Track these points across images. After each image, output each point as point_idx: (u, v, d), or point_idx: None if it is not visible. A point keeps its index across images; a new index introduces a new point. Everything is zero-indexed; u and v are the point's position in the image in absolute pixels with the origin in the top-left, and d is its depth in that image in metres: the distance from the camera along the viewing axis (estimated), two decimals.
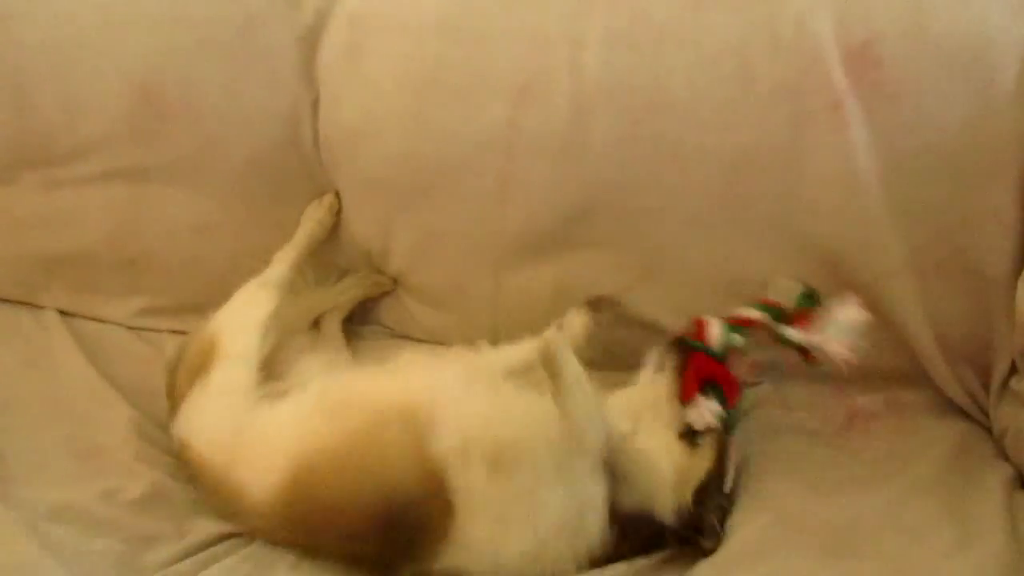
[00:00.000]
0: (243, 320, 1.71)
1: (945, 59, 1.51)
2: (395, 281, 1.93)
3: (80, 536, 1.49)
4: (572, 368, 1.36)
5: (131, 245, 1.98)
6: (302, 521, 1.42)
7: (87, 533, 1.50)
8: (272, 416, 1.55)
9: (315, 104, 1.84)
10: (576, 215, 1.74)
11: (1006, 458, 1.56)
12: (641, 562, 1.40)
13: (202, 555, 1.48)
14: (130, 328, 2.01)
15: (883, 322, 1.64)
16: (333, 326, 1.89)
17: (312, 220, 1.87)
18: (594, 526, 1.35)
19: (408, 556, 1.33)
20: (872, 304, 1.62)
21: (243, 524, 1.51)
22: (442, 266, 1.86)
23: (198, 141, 1.87)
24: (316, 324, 1.93)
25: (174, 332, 1.97)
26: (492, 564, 1.31)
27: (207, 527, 1.52)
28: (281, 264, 1.82)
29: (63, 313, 2.03)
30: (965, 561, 1.34)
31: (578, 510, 1.33)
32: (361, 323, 1.99)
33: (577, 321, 1.67)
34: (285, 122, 1.85)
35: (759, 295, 1.57)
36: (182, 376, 1.68)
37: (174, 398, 1.67)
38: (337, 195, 1.88)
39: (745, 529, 1.43)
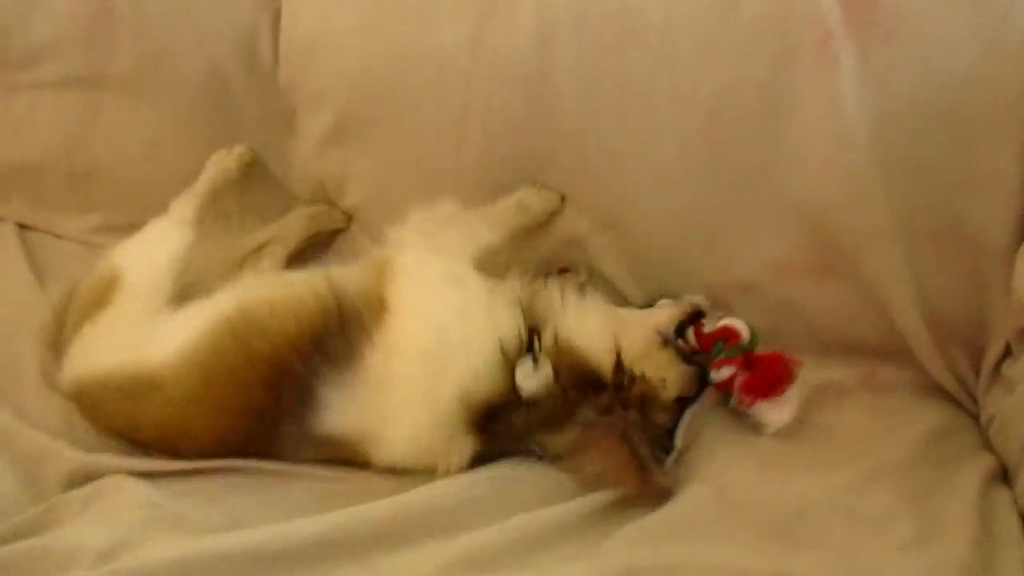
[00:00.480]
0: (150, 255, 1.60)
1: None
2: (349, 218, 1.81)
3: None
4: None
5: (84, 158, 1.91)
6: (212, 381, 1.36)
7: None
8: (181, 313, 1.47)
9: (276, 16, 1.74)
10: (539, 152, 1.60)
11: (991, 449, 1.40)
12: (573, 515, 1.27)
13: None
14: (86, 244, 1.94)
15: (865, 292, 1.48)
16: (274, 261, 1.76)
17: (217, 168, 1.77)
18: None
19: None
20: (855, 271, 1.48)
21: (149, 434, 1.42)
22: (399, 200, 1.72)
23: (152, 51, 1.80)
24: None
25: None
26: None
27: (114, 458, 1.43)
28: (183, 207, 1.71)
29: (23, 227, 1.98)
30: (920, 558, 1.19)
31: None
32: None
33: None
34: (243, 35, 1.77)
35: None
36: (73, 316, 1.58)
37: (61, 344, 1.57)
38: (250, 149, 1.79)
39: (681, 502, 1.29)
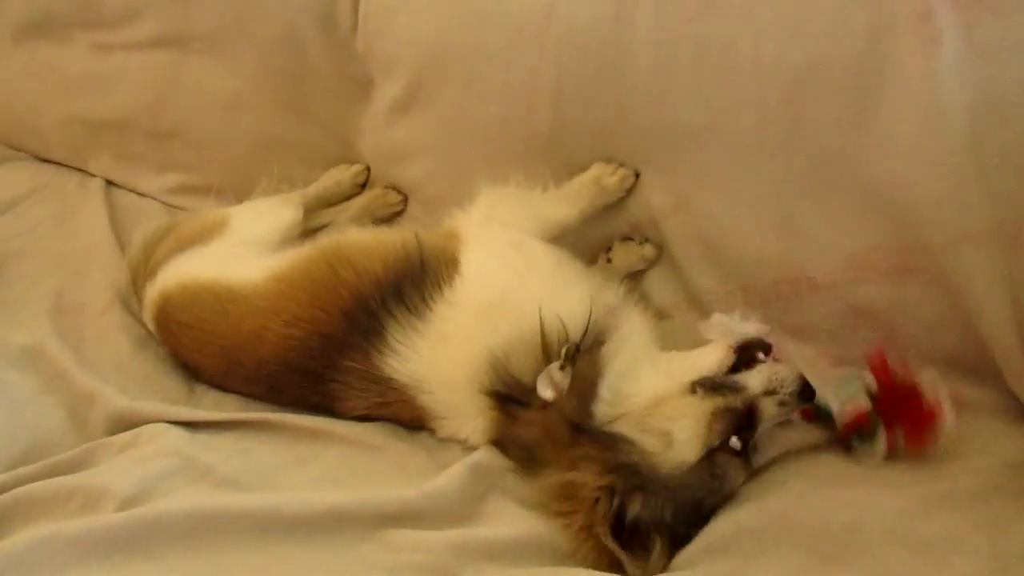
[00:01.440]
0: (261, 215, 1.69)
1: None
2: (406, 200, 1.80)
3: (36, 386, 1.48)
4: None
5: (166, 117, 1.96)
6: (295, 295, 1.40)
7: (43, 384, 1.48)
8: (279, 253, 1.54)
9: None
10: (610, 124, 1.52)
11: None
12: None
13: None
14: (165, 204, 2.01)
15: (952, 298, 1.34)
16: None
17: (332, 179, 1.84)
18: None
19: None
20: (942, 274, 1.34)
21: (218, 347, 1.46)
22: (464, 170, 1.68)
23: (233, 11, 1.81)
24: None
25: None
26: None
27: (157, 406, 1.44)
28: (294, 196, 1.78)
29: (112, 185, 2.05)
30: None
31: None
32: None
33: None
34: (323, 0, 1.73)
35: None
36: (165, 248, 1.63)
37: (147, 269, 1.62)
38: (368, 168, 1.83)
39: (726, 516, 1.21)
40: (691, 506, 1.19)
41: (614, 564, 1.15)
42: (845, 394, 1.31)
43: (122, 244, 1.83)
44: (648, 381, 1.29)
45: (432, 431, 1.37)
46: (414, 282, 1.36)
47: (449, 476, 1.24)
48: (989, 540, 1.13)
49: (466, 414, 1.31)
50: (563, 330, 1.27)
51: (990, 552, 1.11)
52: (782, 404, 1.25)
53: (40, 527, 1.15)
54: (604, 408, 1.24)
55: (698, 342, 1.42)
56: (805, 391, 1.26)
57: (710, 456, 1.21)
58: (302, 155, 1.88)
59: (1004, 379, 1.34)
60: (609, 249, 1.58)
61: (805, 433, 1.33)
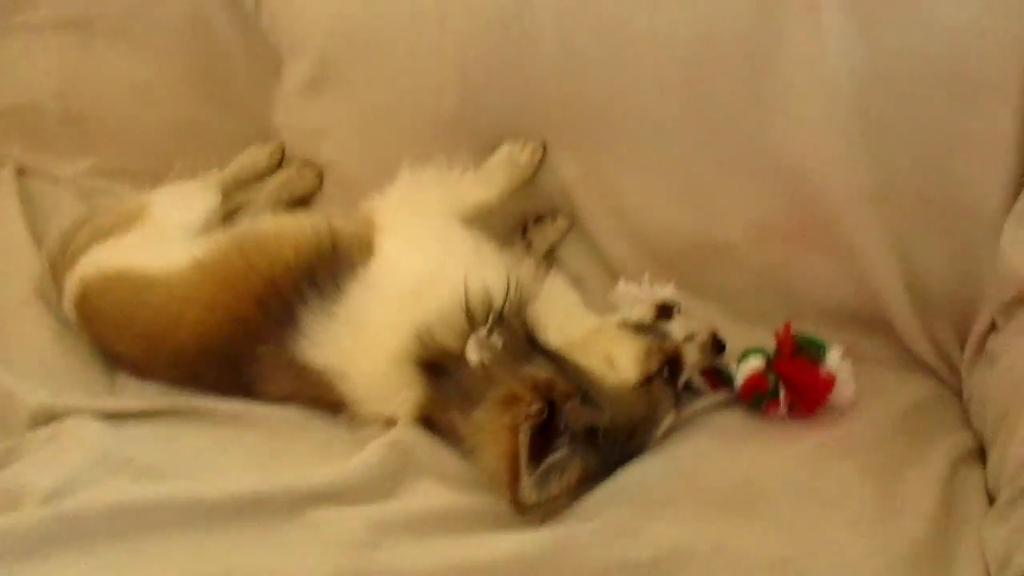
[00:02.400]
0: (182, 201, 1.68)
1: None
2: (320, 177, 1.81)
3: None
4: None
5: (76, 100, 1.93)
6: (210, 283, 1.42)
7: None
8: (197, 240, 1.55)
9: None
10: (517, 102, 1.55)
11: (970, 427, 1.33)
12: None
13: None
14: (81, 191, 1.96)
15: (847, 258, 1.41)
16: None
17: (248, 158, 1.84)
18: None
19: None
20: (836, 236, 1.41)
21: (140, 330, 1.47)
22: (377, 150, 1.70)
23: None
24: None
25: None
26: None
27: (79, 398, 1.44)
28: (210, 179, 1.78)
29: (23, 173, 2.00)
30: (871, 536, 1.14)
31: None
32: None
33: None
34: None
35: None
36: (84, 236, 1.62)
37: (65, 258, 1.61)
38: (282, 146, 1.83)
39: (630, 472, 1.25)
40: (624, 429, 1.23)
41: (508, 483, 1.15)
42: (743, 357, 1.37)
43: (36, 235, 1.80)
44: (585, 320, 1.38)
45: (352, 414, 1.39)
46: (327, 268, 1.37)
47: (368, 454, 1.27)
48: (878, 487, 1.20)
49: (388, 394, 1.33)
50: (486, 298, 1.30)
51: (879, 498, 1.18)
52: (701, 349, 1.33)
53: None
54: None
55: (609, 309, 1.49)
56: (718, 340, 1.34)
57: (648, 383, 1.27)
58: (217, 136, 1.87)
59: (896, 331, 1.41)
60: (525, 232, 1.62)
61: (710, 398, 1.39)
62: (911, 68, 1.29)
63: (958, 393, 1.39)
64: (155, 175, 1.84)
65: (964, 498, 1.20)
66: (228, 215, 1.79)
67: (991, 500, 1.18)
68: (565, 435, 1.15)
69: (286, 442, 1.35)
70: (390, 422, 1.35)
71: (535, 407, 1.14)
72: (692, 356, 1.33)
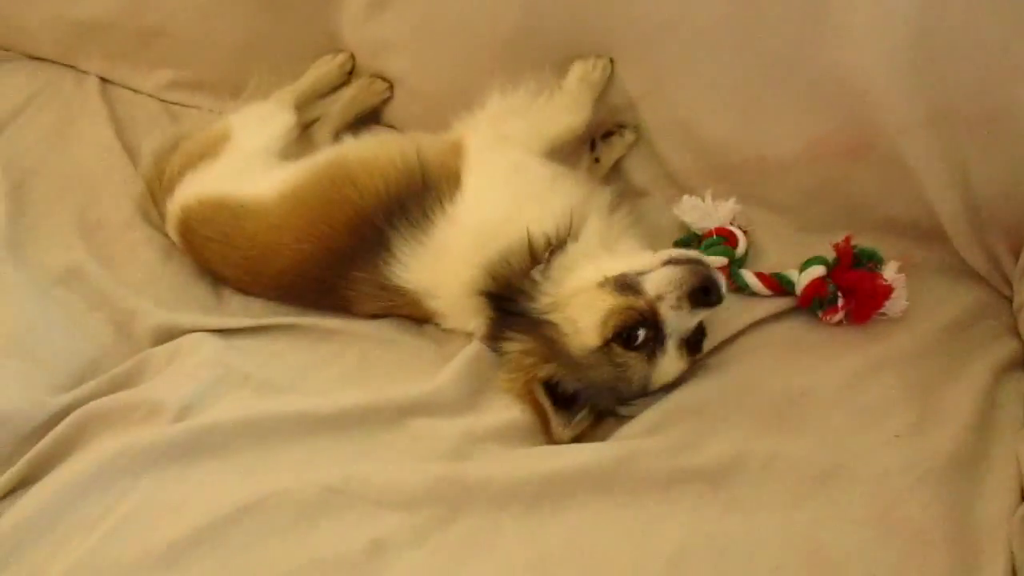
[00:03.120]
0: (261, 124, 1.76)
1: None
2: (391, 87, 1.85)
3: (82, 303, 1.63)
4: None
5: (147, 17, 1.97)
6: (304, 212, 1.52)
7: (88, 302, 1.63)
8: (287, 165, 1.66)
9: None
10: (582, 19, 1.58)
11: (1018, 335, 1.42)
12: None
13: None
14: (161, 101, 2.06)
15: (903, 174, 1.46)
16: (322, 138, 1.85)
17: (320, 70, 1.87)
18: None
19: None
20: (893, 153, 1.45)
21: (240, 254, 1.59)
22: (442, 64, 1.75)
23: None
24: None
25: (198, 109, 2.01)
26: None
27: (193, 315, 1.60)
28: (285, 96, 1.82)
29: (105, 82, 2.09)
30: (911, 447, 1.27)
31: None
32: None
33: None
34: None
35: None
36: (177, 163, 1.72)
37: (163, 184, 1.73)
38: (352, 57, 1.86)
39: (692, 388, 1.38)
40: (602, 386, 1.35)
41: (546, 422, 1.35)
42: (805, 265, 1.46)
43: (128, 149, 1.90)
44: (579, 273, 1.39)
45: (438, 325, 1.53)
46: (416, 198, 1.47)
47: (452, 370, 1.42)
48: (919, 401, 1.31)
49: (466, 314, 1.46)
50: (550, 238, 1.40)
51: (919, 412, 1.30)
52: (673, 308, 1.29)
53: (113, 439, 1.34)
54: (544, 298, 1.39)
55: (674, 218, 1.59)
56: (696, 295, 1.28)
57: (608, 346, 1.33)
58: (288, 50, 1.91)
59: (950, 242, 1.48)
60: (593, 147, 1.67)
61: (770, 305, 1.49)
62: None
63: (1008, 300, 1.46)
64: (233, 87, 1.92)
65: (1002, 408, 1.31)
66: (305, 127, 1.88)
67: None
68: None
69: (381, 356, 1.51)
70: (470, 336, 1.49)
71: (535, 372, 1.33)
72: (666, 314, 1.30)
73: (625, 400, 1.37)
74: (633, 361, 1.32)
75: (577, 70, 1.60)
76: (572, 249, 1.41)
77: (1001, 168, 1.40)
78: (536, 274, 1.38)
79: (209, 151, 1.70)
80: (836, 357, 1.40)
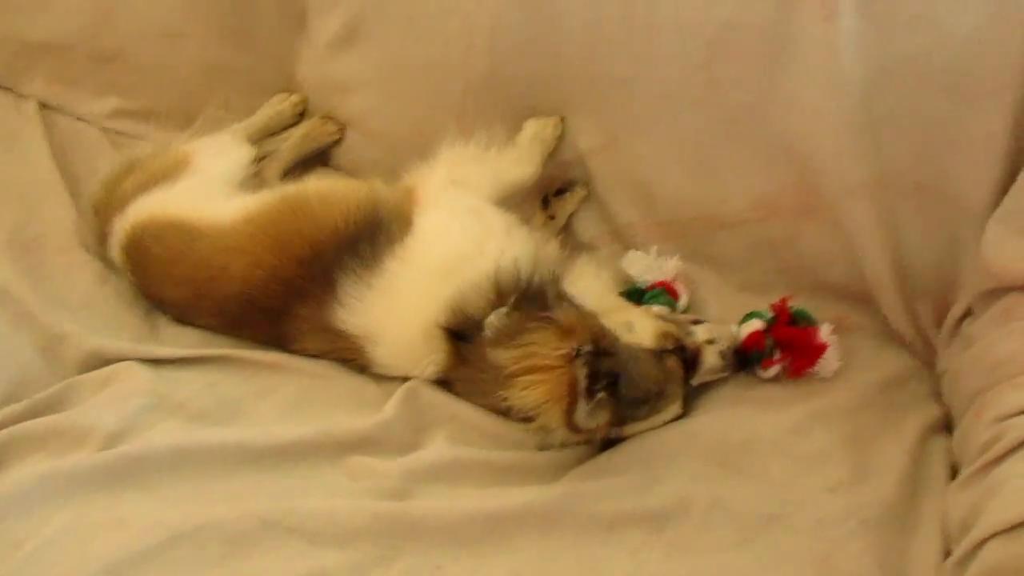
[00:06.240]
0: (223, 152, 1.75)
1: None
2: (343, 129, 1.87)
3: (5, 324, 1.55)
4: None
5: (106, 40, 1.95)
6: (259, 239, 1.50)
7: (16, 322, 1.55)
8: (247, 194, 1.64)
9: None
10: (544, 74, 1.63)
11: (941, 400, 1.47)
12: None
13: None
14: (103, 129, 2.01)
15: (843, 237, 1.52)
16: (270, 175, 1.85)
17: (273, 109, 1.89)
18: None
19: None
20: (835, 216, 1.52)
21: (186, 276, 1.56)
22: (404, 107, 1.77)
23: None
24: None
25: (141, 140, 1.96)
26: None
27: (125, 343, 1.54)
28: (238, 132, 1.83)
29: (44, 107, 2.04)
30: (847, 499, 1.29)
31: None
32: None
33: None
34: None
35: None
36: (132, 183, 1.69)
37: (112, 203, 1.68)
38: (305, 97, 1.88)
39: (644, 436, 1.40)
40: (639, 382, 1.35)
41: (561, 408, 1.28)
42: (744, 319, 1.51)
43: (66, 174, 1.86)
44: (613, 298, 1.50)
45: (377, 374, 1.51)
46: (369, 238, 1.47)
47: (395, 405, 1.40)
48: (853, 453, 1.35)
49: (414, 358, 1.45)
50: (516, 275, 1.40)
51: (854, 464, 1.33)
52: (721, 355, 1.44)
53: (38, 464, 1.28)
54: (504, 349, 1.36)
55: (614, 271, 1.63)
56: (740, 354, 1.45)
57: (661, 355, 1.39)
58: (244, 84, 1.92)
59: (880, 308, 1.54)
60: (546, 205, 1.71)
61: None
62: (916, 69, 1.38)
63: (931, 367, 1.52)
64: (183, 118, 1.91)
65: (930, 465, 1.35)
66: (256, 162, 1.86)
67: (953, 469, 1.33)
68: (602, 378, 1.29)
69: (321, 391, 1.48)
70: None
71: (587, 345, 1.27)
72: (711, 359, 1.43)
73: (640, 414, 1.37)
74: (677, 379, 1.38)
75: (530, 127, 1.65)
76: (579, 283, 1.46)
77: (930, 238, 1.48)
78: (496, 317, 1.37)
79: (168, 174, 1.68)
80: (774, 410, 1.43)
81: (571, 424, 1.28)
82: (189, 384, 1.47)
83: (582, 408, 1.27)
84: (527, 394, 1.27)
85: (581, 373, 1.26)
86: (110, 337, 1.54)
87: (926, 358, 1.53)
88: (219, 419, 1.41)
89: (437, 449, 1.37)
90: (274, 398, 1.47)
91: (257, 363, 1.52)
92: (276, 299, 1.49)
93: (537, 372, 1.27)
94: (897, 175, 1.45)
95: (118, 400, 1.39)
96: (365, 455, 1.35)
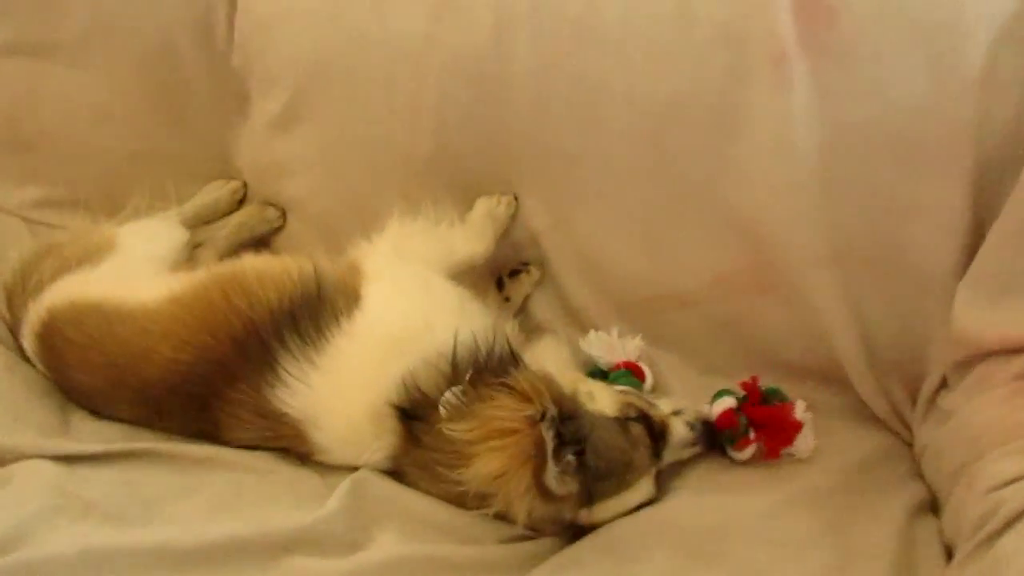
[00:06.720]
0: (152, 235, 1.66)
1: (909, 25, 1.31)
2: (284, 216, 1.80)
3: None
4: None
5: (29, 125, 1.86)
6: (186, 319, 1.39)
7: None
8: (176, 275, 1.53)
9: None
10: (492, 150, 1.58)
11: (922, 479, 1.40)
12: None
13: None
14: (25, 220, 1.89)
15: (804, 314, 1.47)
16: (206, 263, 1.72)
17: (210, 196, 1.82)
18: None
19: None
20: (794, 292, 1.47)
21: (105, 360, 1.42)
22: (348, 188, 1.70)
23: (103, 20, 1.75)
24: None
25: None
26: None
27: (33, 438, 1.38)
28: (172, 216, 1.75)
29: None
30: None
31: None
32: None
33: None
34: (199, 12, 1.72)
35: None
36: (50, 266, 1.56)
37: (27, 288, 1.55)
38: (245, 184, 1.82)
39: (609, 526, 1.29)
40: (605, 450, 1.25)
41: (541, 490, 1.19)
42: (715, 397, 1.43)
43: None
44: (572, 372, 1.41)
45: (320, 462, 1.38)
46: (310, 313, 1.36)
47: (337, 501, 1.26)
48: (837, 537, 1.25)
49: (361, 443, 1.33)
50: (473, 350, 1.31)
51: (840, 550, 1.23)
52: (689, 426, 1.35)
53: None
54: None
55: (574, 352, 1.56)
56: (712, 433, 1.37)
57: (626, 422, 1.30)
58: (177, 170, 1.83)
59: (850, 386, 1.48)
60: (501, 286, 1.64)
61: None
62: (868, 140, 1.37)
63: (908, 445, 1.46)
64: (109, 207, 1.80)
65: (921, 549, 1.26)
66: (189, 252, 1.76)
67: (947, 550, 1.24)
68: (569, 443, 1.20)
69: (255, 486, 1.34)
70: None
71: (552, 407, 1.18)
72: (679, 430, 1.35)
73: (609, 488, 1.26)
74: (644, 449, 1.29)
75: (482, 205, 1.59)
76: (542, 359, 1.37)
77: (893, 311, 1.44)
78: (452, 395, 1.27)
79: (90, 257, 1.57)
80: (749, 495, 1.34)
81: (541, 489, 1.17)
82: (102, 482, 1.31)
83: (552, 470, 1.16)
84: (488, 462, 1.16)
85: (548, 435, 1.16)
86: (15, 432, 1.38)
87: (902, 436, 1.47)
88: (136, 520, 1.25)
89: (386, 547, 1.23)
90: (201, 496, 1.31)
91: (182, 457, 1.38)
92: (205, 384, 1.37)
93: (499, 437, 1.16)
94: (854, 247, 1.42)
95: (16, 502, 1.23)
96: (303, 556, 1.20)
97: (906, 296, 1.42)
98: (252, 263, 1.49)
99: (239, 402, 1.36)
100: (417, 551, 1.22)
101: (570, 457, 1.20)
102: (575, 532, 1.29)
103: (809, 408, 1.44)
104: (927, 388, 1.42)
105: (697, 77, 1.42)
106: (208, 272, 1.49)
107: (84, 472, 1.33)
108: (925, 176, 1.35)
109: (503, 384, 1.22)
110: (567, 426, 1.20)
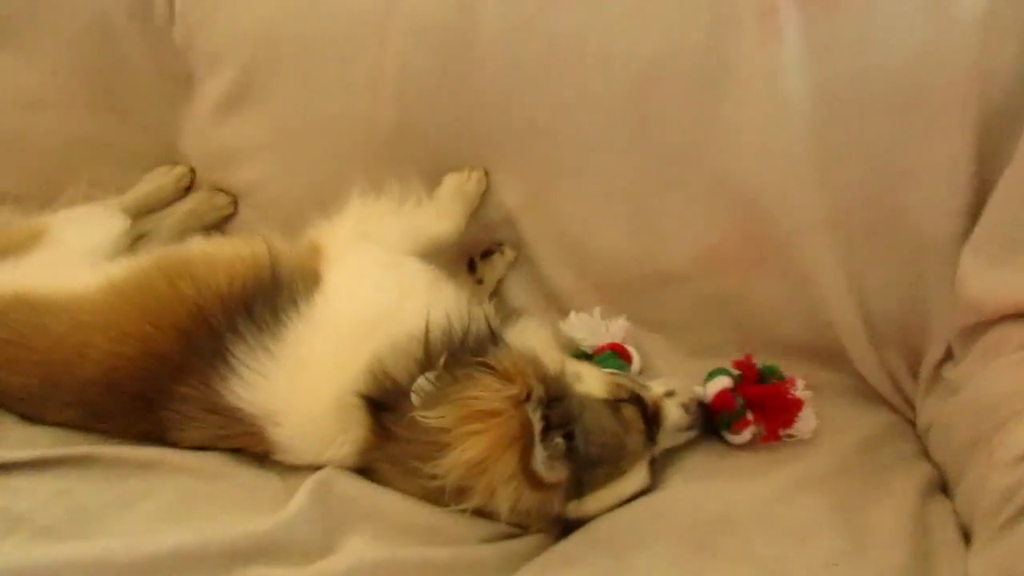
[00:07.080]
0: (89, 224, 1.54)
1: None
2: (236, 202, 1.68)
3: None
4: None
5: None
6: (125, 309, 1.27)
7: None
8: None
9: None
10: (459, 124, 1.47)
11: (928, 457, 1.30)
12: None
13: None
14: None
15: (798, 286, 1.38)
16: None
17: (153, 184, 1.70)
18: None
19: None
20: (788, 263, 1.37)
21: (37, 359, 1.29)
22: (304, 171, 1.59)
23: None
24: None
25: None
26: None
27: None
28: (114, 205, 1.63)
29: None
30: (852, 572, 1.08)
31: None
32: None
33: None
34: None
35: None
36: None
37: None
38: (192, 170, 1.70)
39: (607, 519, 1.18)
40: (596, 433, 1.15)
41: (528, 477, 1.07)
42: (709, 377, 1.33)
43: None
44: (554, 352, 1.29)
45: (279, 461, 1.25)
46: (265, 297, 1.24)
47: (299, 504, 1.13)
48: (845, 520, 1.15)
49: (325, 438, 1.21)
50: (446, 332, 1.19)
51: (850, 535, 1.13)
52: (684, 408, 1.26)
53: None
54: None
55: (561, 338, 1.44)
56: (708, 416, 1.28)
57: (616, 404, 1.20)
58: (116, 157, 1.71)
59: (849, 362, 1.39)
60: (473, 268, 1.53)
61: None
62: (865, 92, 1.28)
63: (911, 423, 1.37)
64: (42, 200, 1.67)
65: (937, 530, 1.17)
66: (132, 244, 1.63)
67: (963, 529, 1.15)
68: (556, 426, 1.09)
69: (208, 492, 1.20)
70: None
71: (539, 385, 1.08)
72: (673, 413, 1.25)
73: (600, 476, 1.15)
74: (637, 432, 1.19)
75: (451, 182, 1.49)
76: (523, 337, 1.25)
77: (894, 278, 1.35)
78: (425, 381, 1.15)
79: (18, 247, 1.43)
80: (750, 480, 1.23)
81: (527, 476, 1.05)
82: (34, 493, 1.17)
83: (540, 453, 1.05)
84: (468, 447, 1.04)
85: (535, 416, 1.05)
86: None
87: (905, 414, 1.37)
88: (72, 534, 1.11)
89: (356, 551, 1.10)
90: (146, 505, 1.17)
91: (124, 462, 1.24)
92: (149, 380, 1.23)
93: (479, 420, 1.04)
94: (852, 211, 1.33)
95: None
96: (261, 566, 1.07)
97: (906, 263, 1.33)
98: (199, 246, 1.37)
99: (187, 398, 1.23)
100: (389, 555, 1.10)
101: (559, 440, 1.09)
102: (563, 528, 1.18)
103: (809, 388, 1.34)
104: (930, 361, 1.34)
105: (679, 33, 1.33)
106: (148, 257, 1.36)
107: (14, 482, 1.19)
108: (926, 130, 1.27)
109: (483, 364, 1.10)
110: (554, 407, 1.09)
